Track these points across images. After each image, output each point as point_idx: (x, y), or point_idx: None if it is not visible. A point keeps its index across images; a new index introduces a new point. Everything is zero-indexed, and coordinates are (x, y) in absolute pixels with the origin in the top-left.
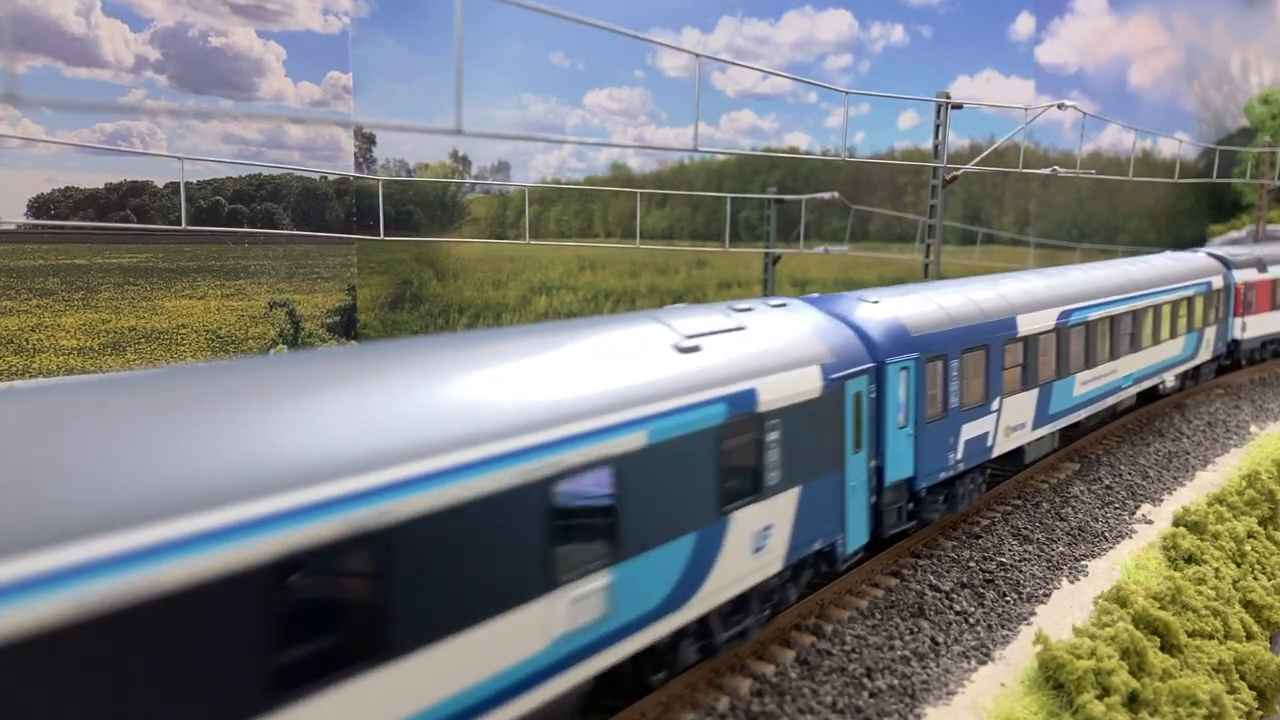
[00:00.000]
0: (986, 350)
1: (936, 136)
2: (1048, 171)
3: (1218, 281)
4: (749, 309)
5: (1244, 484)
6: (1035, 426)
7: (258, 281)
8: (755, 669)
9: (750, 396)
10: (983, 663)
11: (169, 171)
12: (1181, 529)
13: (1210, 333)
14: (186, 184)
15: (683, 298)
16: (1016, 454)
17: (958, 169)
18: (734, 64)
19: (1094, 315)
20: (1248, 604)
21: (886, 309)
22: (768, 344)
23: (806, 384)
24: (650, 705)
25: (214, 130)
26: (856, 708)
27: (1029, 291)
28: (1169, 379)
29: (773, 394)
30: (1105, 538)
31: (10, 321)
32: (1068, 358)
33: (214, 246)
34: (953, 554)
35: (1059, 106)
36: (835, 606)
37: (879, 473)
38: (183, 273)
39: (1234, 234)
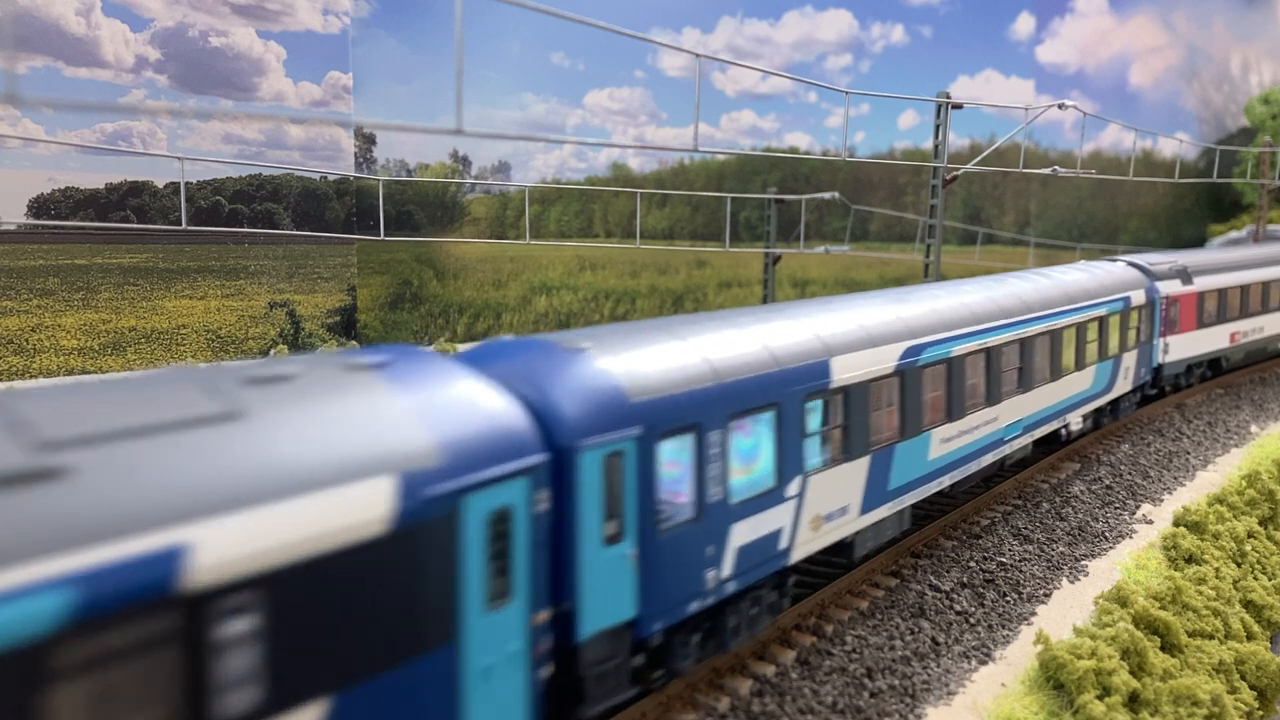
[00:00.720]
0: (778, 411)
1: (936, 136)
2: (1048, 171)
3: (1138, 296)
4: (292, 375)
5: (1244, 484)
6: (866, 509)
7: (258, 282)
8: (755, 669)
9: (163, 566)
10: (983, 663)
11: (169, 171)
12: (1182, 529)
13: (1130, 358)
14: (186, 184)
15: (683, 298)
16: (840, 549)
17: (958, 169)
18: (734, 64)
19: (960, 349)
20: (1248, 604)
21: (593, 362)
22: (275, 447)
23: (351, 514)
24: (650, 705)
25: (214, 130)
26: (857, 708)
27: (857, 322)
28: (1074, 420)
29: (243, 548)
30: (1105, 538)
31: (10, 322)
32: (919, 409)
33: (214, 246)
34: (953, 554)
35: (1059, 106)
36: (835, 607)
37: (565, 623)
38: (183, 273)
39: (1234, 234)
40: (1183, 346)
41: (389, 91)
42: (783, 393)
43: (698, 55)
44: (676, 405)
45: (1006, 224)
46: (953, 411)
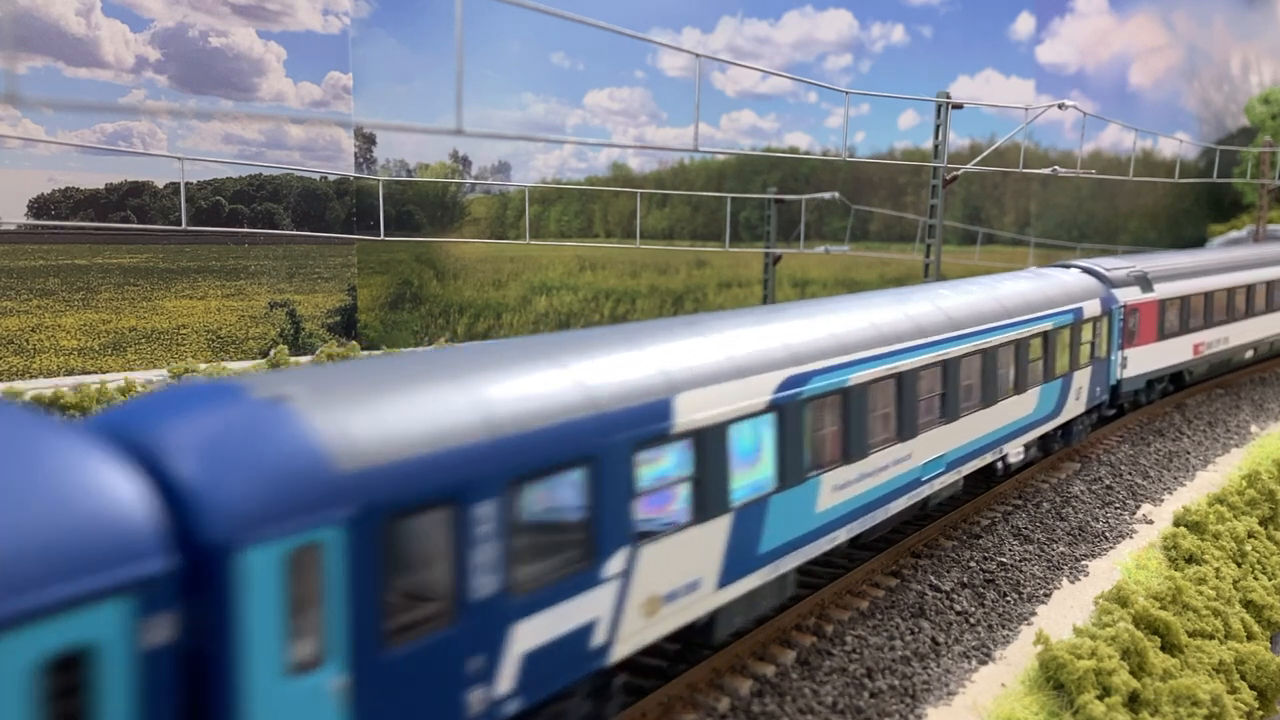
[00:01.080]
0: (593, 468)
1: (936, 136)
2: (1048, 171)
3: (1092, 307)
4: None
5: (1244, 484)
6: (728, 580)
7: (258, 282)
8: (756, 669)
9: None
10: (983, 663)
11: (169, 172)
12: (1182, 529)
13: (1082, 377)
14: (187, 184)
15: (683, 298)
16: (692, 633)
17: (958, 169)
18: (734, 64)
19: (861, 376)
20: (1248, 604)
21: (290, 418)
22: None
23: None
24: (650, 705)
25: (214, 130)
26: (857, 708)
27: (724, 349)
28: (1013, 450)
29: None
30: (1106, 537)
31: (11, 322)
32: (802, 451)
33: (214, 247)
34: (953, 554)
35: (1059, 106)
36: (835, 607)
37: None
38: (183, 273)
39: (1234, 234)
40: (1143, 360)
41: (389, 91)
42: (601, 443)
43: (698, 55)
44: (421, 472)
45: (1006, 224)
46: (850, 452)
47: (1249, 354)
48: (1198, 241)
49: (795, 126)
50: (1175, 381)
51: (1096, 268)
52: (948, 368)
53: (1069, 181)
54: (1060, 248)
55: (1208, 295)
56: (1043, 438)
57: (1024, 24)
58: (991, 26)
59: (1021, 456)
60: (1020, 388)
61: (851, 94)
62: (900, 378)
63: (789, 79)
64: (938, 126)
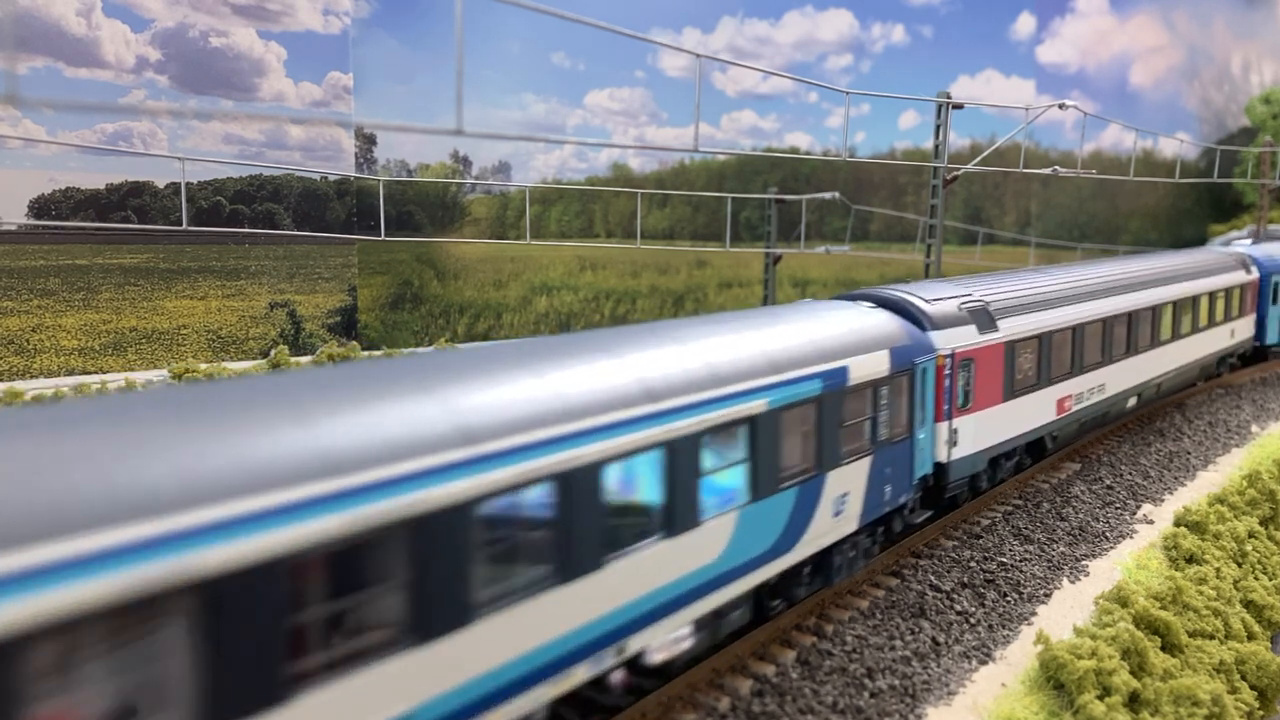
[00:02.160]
0: None
1: (937, 136)
2: (1048, 171)
3: (871, 364)
4: None
5: (1245, 484)
6: None
7: (258, 282)
8: (756, 669)
9: None
10: (984, 663)
11: (170, 172)
12: (1183, 529)
13: (849, 476)
14: (187, 184)
15: (684, 298)
16: None
17: (958, 169)
18: (734, 64)
19: (107, 585)
20: (1249, 604)
21: None
22: None
23: None
24: (651, 705)
25: (214, 130)
26: (857, 708)
27: None
28: (658, 639)
29: None
30: (1106, 538)
31: (11, 322)
32: None
33: (215, 247)
34: (953, 554)
35: (1060, 106)
36: (836, 607)
37: None
38: (183, 273)
39: (1234, 234)
40: (984, 430)
41: (389, 91)
42: None
43: (698, 55)
44: None
45: (1007, 224)
46: None
47: (1131, 402)
48: (1198, 241)
49: (796, 126)
50: (1033, 451)
51: (911, 298)
52: (459, 523)
53: (1069, 181)
54: (1061, 248)
55: (1077, 329)
56: (776, 587)
57: (1024, 24)
58: (992, 26)
59: (686, 644)
60: (685, 522)
61: (852, 94)
62: (271, 573)
63: (789, 79)
64: (938, 126)
